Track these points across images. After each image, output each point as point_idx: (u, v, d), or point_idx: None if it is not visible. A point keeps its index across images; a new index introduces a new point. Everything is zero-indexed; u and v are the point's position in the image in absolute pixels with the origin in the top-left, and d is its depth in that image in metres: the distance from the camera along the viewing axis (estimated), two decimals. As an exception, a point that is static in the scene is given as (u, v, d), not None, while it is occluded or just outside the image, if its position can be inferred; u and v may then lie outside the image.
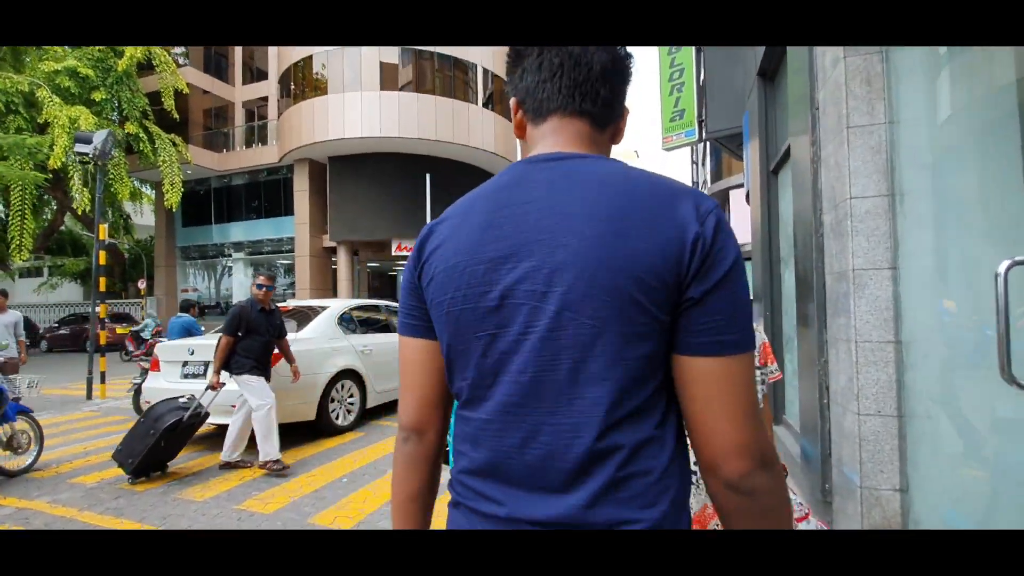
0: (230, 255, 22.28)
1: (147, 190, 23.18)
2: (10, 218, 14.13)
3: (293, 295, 20.16)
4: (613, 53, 0.70)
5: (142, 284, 20.22)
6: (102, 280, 8.48)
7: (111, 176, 16.24)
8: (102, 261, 8.17)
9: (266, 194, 21.44)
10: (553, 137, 0.71)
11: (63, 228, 23.48)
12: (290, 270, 20.91)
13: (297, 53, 18.22)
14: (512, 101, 0.75)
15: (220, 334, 4.30)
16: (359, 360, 5.64)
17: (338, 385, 5.37)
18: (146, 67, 17.48)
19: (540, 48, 0.71)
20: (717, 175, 24.28)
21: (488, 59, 19.29)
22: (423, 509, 0.79)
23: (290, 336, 5.09)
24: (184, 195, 22.49)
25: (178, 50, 20.41)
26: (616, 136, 0.76)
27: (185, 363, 4.82)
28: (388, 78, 17.58)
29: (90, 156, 7.52)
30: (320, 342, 5.24)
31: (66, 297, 25.14)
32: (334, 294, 19.43)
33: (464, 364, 0.68)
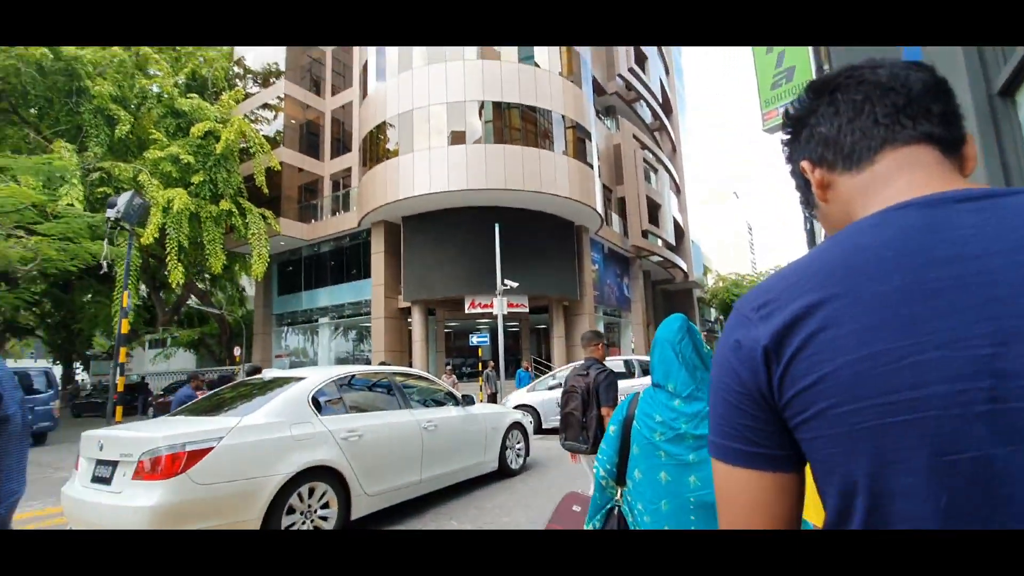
0: (316, 320, 22.77)
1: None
2: (115, 294, 15.23)
3: (368, 360, 19.74)
4: (929, 70, 0.59)
5: (238, 351, 21.11)
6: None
7: (207, 251, 17.26)
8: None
9: (348, 259, 21.86)
10: (902, 177, 0.57)
11: (190, 303, 25.86)
12: (369, 333, 20.68)
13: (373, 121, 18.73)
14: (804, 165, 0.65)
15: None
16: (339, 451, 4.11)
17: (303, 490, 3.85)
18: (243, 150, 18.91)
19: (828, 94, 0.62)
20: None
21: (559, 104, 18.42)
22: None
23: (231, 422, 3.73)
24: (279, 265, 23.83)
25: (273, 131, 22.14)
26: (965, 166, 0.59)
27: (97, 462, 3.61)
28: (456, 132, 17.28)
29: (112, 219, 7.30)
30: (273, 430, 3.80)
31: (181, 365, 27.33)
32: (409, 356, 18.65)
33: (904, 497, 0.48)
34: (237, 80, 23.11)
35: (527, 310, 18.60)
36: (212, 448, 3.42)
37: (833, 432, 0.51)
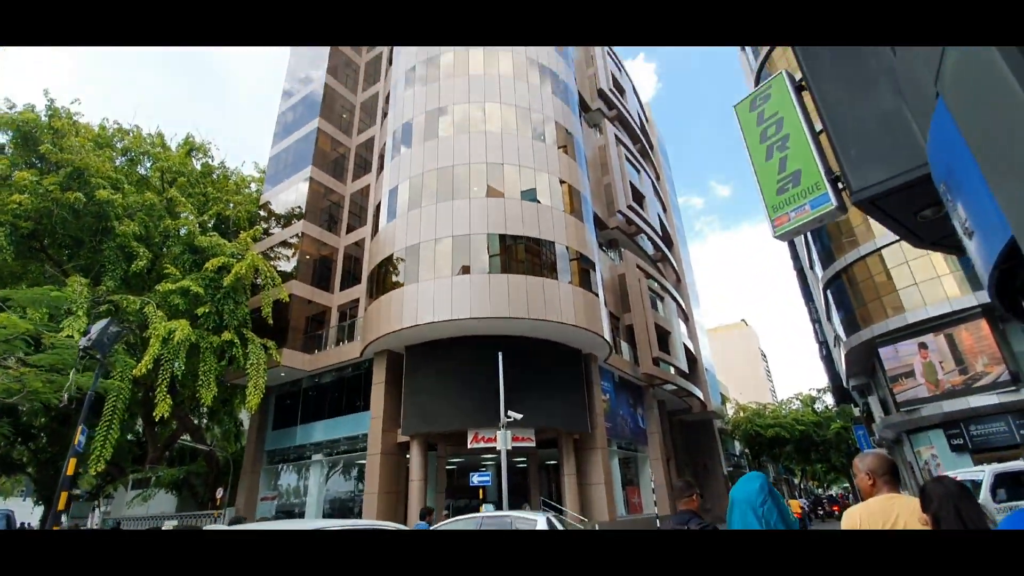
0: (309, 457, 21.26)
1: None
2: (97, 428, 14.38)
3: (361, 504, 17.93)
4: None
5: (219, 493, 19.40)
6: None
7: (200, 382, 16.73)
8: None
9: (348, 391, 21.08)
10: None
11: (184, 439, 24.64)
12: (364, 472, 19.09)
13: (381, 254, 19.36)
14: None
15: None
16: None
17: None
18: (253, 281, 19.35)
19: None
20: (851, 323, 20.10)
21: (563, 236, 19.09)
22: None
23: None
24: (277, 397, 23.01)
25: (291, 268, 22.90)
26: None
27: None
28: (462, 264, 17.66)
29: (82, 347, 6.95)
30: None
31: (161, 508, 25.06)
32: (405, 497, 16.91)
33: None
34: (262, 222, 24.59)
35: (534, 444, 17.26)
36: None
37: None
